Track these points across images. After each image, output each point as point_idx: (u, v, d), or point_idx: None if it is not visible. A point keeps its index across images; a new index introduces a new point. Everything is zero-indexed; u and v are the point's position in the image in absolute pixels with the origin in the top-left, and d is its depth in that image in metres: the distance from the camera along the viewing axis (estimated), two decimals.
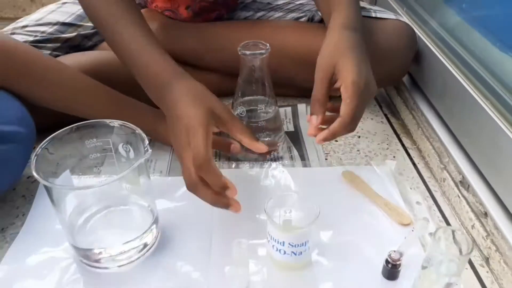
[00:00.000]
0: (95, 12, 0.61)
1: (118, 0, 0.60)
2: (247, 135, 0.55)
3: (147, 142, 0.50)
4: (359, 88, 0.54)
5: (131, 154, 0.55)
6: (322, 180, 0.65)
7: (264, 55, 0.63)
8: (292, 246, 0.49)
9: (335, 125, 0.55)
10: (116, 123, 0.53)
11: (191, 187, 0.51)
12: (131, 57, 0.58)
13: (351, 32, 0.59)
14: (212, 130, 0.51)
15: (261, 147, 0.55)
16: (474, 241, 0.56)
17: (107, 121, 0.53)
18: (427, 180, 0.67)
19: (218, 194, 0.50)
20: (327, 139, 0.55)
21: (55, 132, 0.52)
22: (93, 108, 0.66)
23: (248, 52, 0.62)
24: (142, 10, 0.86)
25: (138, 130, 0.51)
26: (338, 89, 0.56)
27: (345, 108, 0.54)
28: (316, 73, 0.57)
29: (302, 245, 0.50)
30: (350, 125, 0.55)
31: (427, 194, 0.65)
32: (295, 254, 0.50)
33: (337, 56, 0.56)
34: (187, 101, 0.52)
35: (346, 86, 0.54)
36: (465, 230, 0.58)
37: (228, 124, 0.54)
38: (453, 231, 0.33)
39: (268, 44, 0.64)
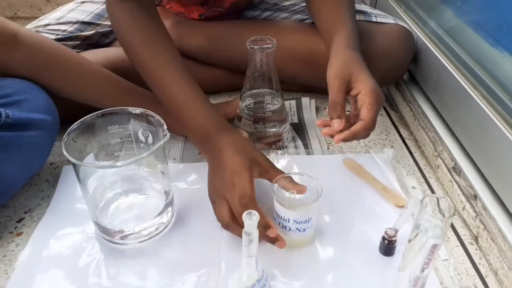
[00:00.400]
0: (140, 61, 0.65)
1: (163, 49, 0.64)
2: (289, 180, 0.56)
3: (165, 127, 0.55)
4: (378, 95, 0.59)
5: (150, 139, 0.60)
6: (324, 166, 0.70)
7: (271, 49, 0.68)
8: (297, 222, 0.54)
9: (356, 127, 0.58)
10: (137, 110, 0.58)
11: (229, 226, 0.54)
12: (178, 109, 0.63)
13: (355, 52, 0.65)
14: (254, 175, 0.55)
15: (302, 189, 0.56)
16: (464, 221, 0.61)
17: (129, 108, 0.58)
18: (422, 167, 0.72)
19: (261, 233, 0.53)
20: (347, 139, 0.58)
21: (74, 123, 0.56)
22: (111, 99, 0.71)
23: (256, 47, 0.67)
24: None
25: (157, 117, 0.56)
26: (352, 96, 0.60)
27: (367, 112, 0.58)
28: (333, 82, 0.60)
29: (306, 222, 0.54)
30: (370, 130, 0.59)
31: (422, 180, 0.69)
32: (299, 230, 0.55)
33: (351, 68, 0.61)
34: (232, 150, 0.57)
35: (367, 93, 0.58)
36: (456, 212, 0.63)
37: (270, 171, 0.57)
38: (437, 198, 0.38)
39: (274, 40, 0.69)
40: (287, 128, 0.77)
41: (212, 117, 0.62)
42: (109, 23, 0.88)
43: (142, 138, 0.60)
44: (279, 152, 0.73)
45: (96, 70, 0.70)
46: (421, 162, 0.73)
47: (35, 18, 0.87)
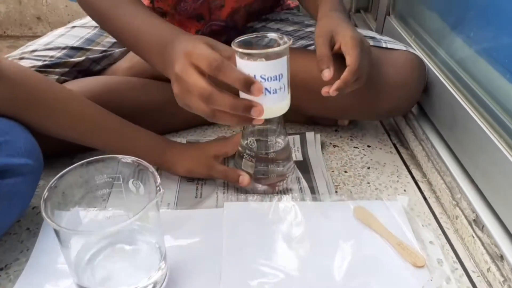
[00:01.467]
0: (94, 3, 0.62)
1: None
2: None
3: (159, 181, 0.49)
4: (358, 40, 0.62)
5: (141, 190, 0.53)
6: (333, 215, 0.64)
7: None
8: (265, 80, 0.46)
9: (344, 74, 0.61)
10: (128, 159, 0.52)
11: (205, 99, 0.49)
12: (135, 32, 0.60)
13: (338, 13, 0.69)
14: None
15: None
16: (490, 285, 0.55)
17: (119, 156, 0.52)
18: (438, 216, 0.67)
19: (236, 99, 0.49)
20: (340, 88, 0.61)
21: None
22: (100, 137, 0.65)
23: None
24: None
25: (151, 169, 0.50)
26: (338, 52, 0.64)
27: (349, 58, 0.61)
28: (317, 40, 0.65)
29: (276, 78, 0.46)
30: (358, 72, 0.61)
31: (440, 231, 0.64)
32: (269, 92, 0.46)
33: (332, 25, 0.66)
34: (187, 39, 0.53)
35: (346, 42, 0.62)
36: (480, 273, 0.57)
37: (231, 56, 0.52)
38: None
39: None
40: (291, 167, 0.71)
41: (169, 25, 0.59)
42: (101, 48, 0.82)
43: (133, 189, 0.54)
44: (284, 197, 0.67)
45: (84, 106, 0.64)
46: (437, 210, 0.68)
47: (25, 37, 0.82)
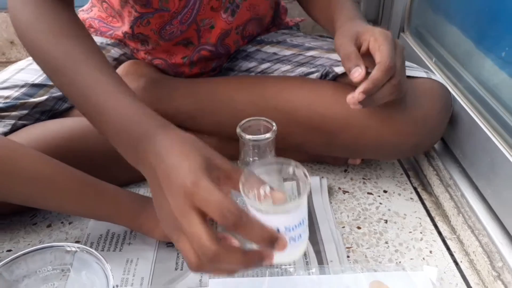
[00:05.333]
0: (43, 52, 0.48)
1: (75, 38, 0.48)
2: (258, 182, 0.40)
3: (111, 282, 0.37)
4: (389, 36, 0.54)
5: (97, 283, 0.42)
6: None
7: (269, 140, 0.50)
8: (289, 230, 0.37)
9: (374, 72, 0.52)
10: (74, 247, 0.40)
11: (206, 258, 0.36)
12: (95, 108, 0.45)
13: (361, 21, 0.61)
14: (213, 181, 0.37)
15: (280, 196, 0.40)
16: None
17: (64, 245, 0.41)
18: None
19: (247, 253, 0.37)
20: (368, 90, 0.51)
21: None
22: (58, 200, 0.54)
23: (248, 137, 0.50)
24: (125, 64, 0.74)
25: (105, 265, 0.38)
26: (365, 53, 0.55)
27: (379, 54, 0.52)
28: (338, 43, 0.56)
29: (300, 224, 0.38)
30: (390, 71, 0.52)
31: None
32: (295, 239, 0.38)
33: (357, 27, 0.58)
34: (176, 152, 0.39)
35: (376, 38, 0.53)
36: None
37: (232, 175, 0.40)
38: None
39: (274, 124, 0.51)
40: None
41: (145, 111, 0.44)
42: None
43: (87, 281, 0.42)
44: (283, 268, 0.55)
45: (36, 163, 0.52)
46: (472, 279, 0.55)
47: None
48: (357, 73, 0.52)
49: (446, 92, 0.65)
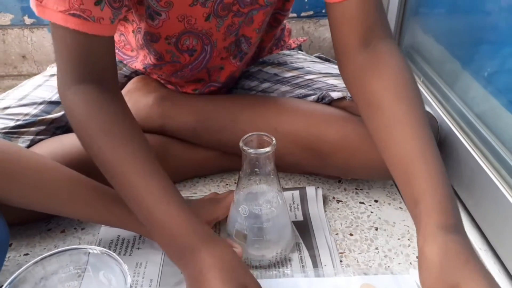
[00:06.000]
0: (98, 155, 0.53)
1: (126, 140, 0.53)
2: None
3: (129, 279, 0.42)
4: None
5: (113, 282, 0.46)
6: None
7: (269, 153, 0.56)
8: None
9: None
10: (96, 250, 0.45)
11: None
12: (146, 214, 0.52)
13: (456, 236, 0.44)
14: None
15: None
16: None
17: (87, 247, 0.45)
18: None
19: None
20: None
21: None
22: (77, 208, 0.59)
23: (250, 150, 0.55)
24: (135, 79, 0.79)
25: (123, 266, 0.43)
26: None
27: None
28: (427, 282, 0.44)
29: None
30: None
31: None
32: None
33: (455, 272, 0.42)
34: (217, 274, 0.47)
35: None
36: None
37: None
38: None
39: (274, 139, 0.56)
40: (289, 236, 0.64)
41: (190, 225, 0.51)
42: None
43: (104, 280, 0.47)
44: (281, 270, 0.60)
45: (58, 175, 0.57)
46: None
47: (10, 76, 0.75)
48: None
49: (433, 121, 0.70)
